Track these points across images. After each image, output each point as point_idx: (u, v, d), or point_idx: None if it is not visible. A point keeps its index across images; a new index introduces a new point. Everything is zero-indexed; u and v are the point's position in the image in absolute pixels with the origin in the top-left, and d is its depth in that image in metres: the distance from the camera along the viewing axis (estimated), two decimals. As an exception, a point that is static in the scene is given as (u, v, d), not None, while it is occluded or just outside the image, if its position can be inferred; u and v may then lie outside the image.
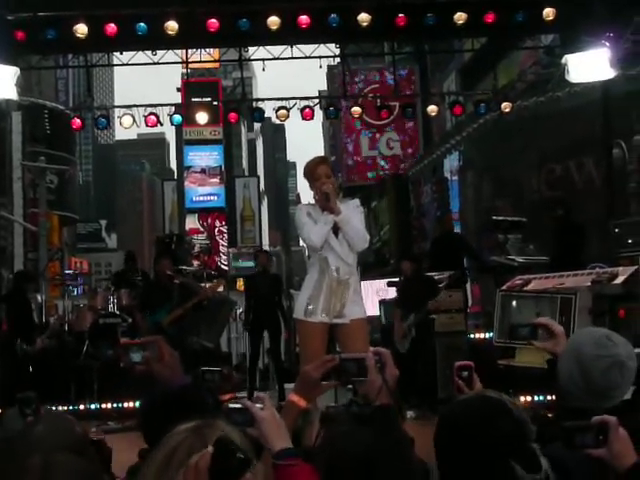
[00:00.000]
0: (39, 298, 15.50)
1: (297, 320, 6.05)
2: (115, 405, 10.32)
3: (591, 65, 11.56)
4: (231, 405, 2.31)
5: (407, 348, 10.12)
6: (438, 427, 2.08)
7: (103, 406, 10.30)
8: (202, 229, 44.70)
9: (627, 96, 14.29)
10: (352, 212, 5.96)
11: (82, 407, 10.20)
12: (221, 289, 13.82)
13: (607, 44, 11.36)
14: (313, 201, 6.07)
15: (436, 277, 11.83)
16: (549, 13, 11.51)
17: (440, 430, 2.07)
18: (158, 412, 3.63)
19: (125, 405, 10.28)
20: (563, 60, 12.04)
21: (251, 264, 14.01)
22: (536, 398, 8.96)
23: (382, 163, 32.56)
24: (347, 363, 2.64)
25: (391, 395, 2.54)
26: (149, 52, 12.81)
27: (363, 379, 2.60)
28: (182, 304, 10.23)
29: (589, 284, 9.05)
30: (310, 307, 5.90)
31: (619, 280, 9.06)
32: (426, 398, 9.75)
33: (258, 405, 2.30)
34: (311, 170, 6.00)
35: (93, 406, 10.33)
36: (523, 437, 1.98)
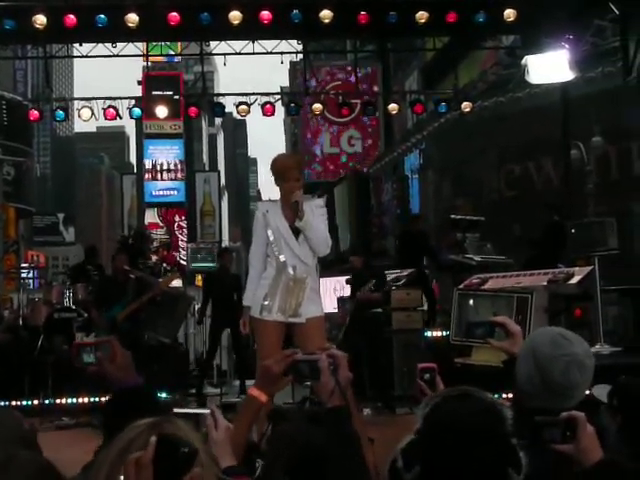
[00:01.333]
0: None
1: (253, 318, 6.03)
2: (69, 400, 10.20)
3: (551, 66, 11.65)
4: (177, 410, 2.27)
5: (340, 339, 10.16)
6: (424, 428, 2.04)
7: (57, 401, 10.17)
8: (161, 224, 44.39)
9: (586, 98, 14.44)
10: (315, 214, 5.95)
11: (36, 402, 10.06)
12: (178, 283, 13.72)
13: (567, 46, 11.46)
14: (273, 196, 6.11)
15: (396, 275, 11.88)
16: (510, 14, 11.59)
17: (426, 431, 2.03)
18: (115, 411, 3.64)
19: (80, 401, 10.16)
20: (523, 61, 12.13)
21: (210, 259, 13.90)
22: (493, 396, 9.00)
23: (343, 160, 32.60)
24: (300, 364, 2.65)
25: (344, 397, 2.54)
26: (109, 44, 12.67)
27: (316, 380, 2.59)
28: (137, 299, 10.18)
29: (545, 284, 9.13)
30: (266, 305, 5.92)
31: (575, 280, 9.14)
32: (382, 395, 9.78)
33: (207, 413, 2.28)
34: (281, 171, 5.99)
35: (47, 401, 10.20)
36: (508, 436, 1.97)
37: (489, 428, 1.96)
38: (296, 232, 5.93)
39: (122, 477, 1.67)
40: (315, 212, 5.96)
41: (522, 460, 1.94)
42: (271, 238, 5.95)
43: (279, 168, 6.03)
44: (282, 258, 5.92)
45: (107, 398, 3.29)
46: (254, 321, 6.06)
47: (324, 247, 5.99)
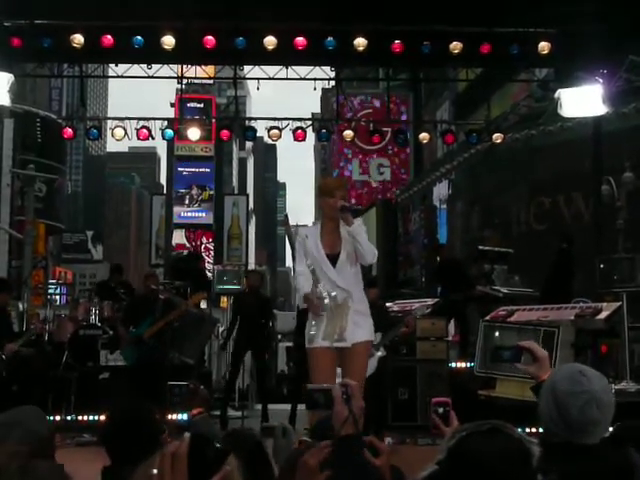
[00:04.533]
0: (20, 306, 15.40)
1: (306, 349, 6.17)
2: (91, 417, 10.23)
3: (584, 100, 11.63)
4: None
5: (375, 367, 9.92)
6: (448, 461, 2.01)
7: (79, 418, 10.20)
8: (188, 245, 44.61)
9: (618, 133, 14.39)
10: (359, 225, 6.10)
11: (58, 418, 10.09)
12: (203, 305, 13.76)
13: (601, 80, 11.44)
14: (301, 221, 6.18)
15: (422, 303, 11.84)
16: (544, 47, 11.58)
17: (451, 466, 1.99)
18: (116, 430, 3.67)
19: (101, 418, 10.18)
20: (556, 94, 12.11)
21: (236, 281, 13.95)
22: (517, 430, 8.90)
23: (372, 187, 32.64)
24: (315, 393, 2.69)
25: (357, 426, 2.55)
26: (144, 65, 12.79)
27: (329, 409, 2.64)
28: (163, 317, 10.25)
29: (572, 318, 9.06)
30: (312, 334, 6.06)
31: (602, 316, 9.07)
32: (405, 424, 9.72)
33: None
34: (330, 188, 6.18)
35: (69, 417, 10.23)
36: (535, 475, 1.93)
37: (516, 467, 1.92)
38: (333, 260, 6.05)
39: (155, 470, 1.69)
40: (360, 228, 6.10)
41: None
42: (310, 265, 6.12)
43: (327, 185, 6.34)
44: (322, 285, 6.05)
45: (104, 418, 3.28)
46: (307, 352, 6.18)
47: (371, 255, 6.08)
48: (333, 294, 6.01)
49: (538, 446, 2.01)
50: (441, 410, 2.97)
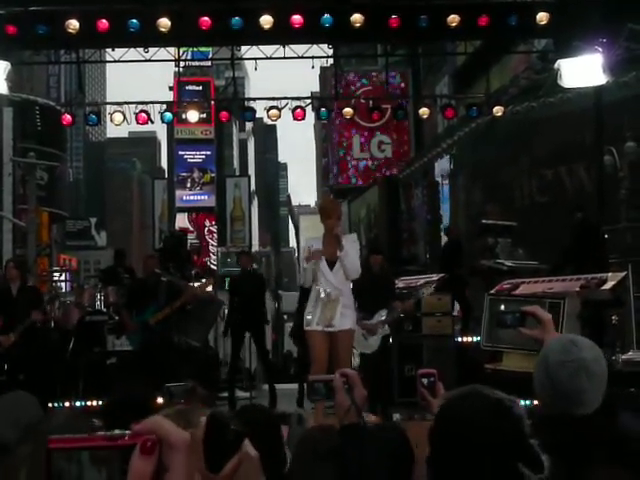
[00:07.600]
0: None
1: (305, 331, 7.75)
2: (100, 403, 10.24)
3: (584, 70, 11.56)
4: None
5: (379, 345, 9.90)
6: (434, 427, 2.03)
7: (88, 403, 10.23)
8: (192, 228, 44.57)
9: (619, 102, 14.31)
10: (349, 246, 7.57)
11: (67, 404, 10.13)
12: (210, 288, 13.78)
13: (600, 50, 11.36)
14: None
15: (427, 280, 11.82)
16: (543, 17, 11.50)
17: (436, 431, 2.02)
18: (118, 414, 3.67)
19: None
20: (556, 65, 12.03)
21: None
22: (522, 403, 8.92)
23: (373, 165, 32.53)
24: (316, 384, 2.74)
25: (359, 415, 2.57)
26: (141, 49, 12.73)
27: (330, 399, 2.70)
28: (169, 303, 10.19)
29: (578, 289, 9.04)
30: (309, 319, 7.61)
31: (608, 286, 9.05)
32: (412, 400, 9.72)
33: None
34: (327, 210, 7.78)
35: (78, 403, 10.26)
36: (523, 434, 1.93)
37: (493, 424, 1.93)
38: (331, 265, 7.54)
39: None
40: (349, 245, 7.57)
41: (543, 461, 1.89)
42: (313, 267, 7.61)
43: (324, 208, 8.00)
44: (320, 285, 7.56)
45: (103, 403, 3.26)
46: (305, 333, 7.78)
47: (355, 274, 7.67)
48: (328, 291, 7.51)
49: (523, 408, 2.00)
50: (426, 381, 2.97)
